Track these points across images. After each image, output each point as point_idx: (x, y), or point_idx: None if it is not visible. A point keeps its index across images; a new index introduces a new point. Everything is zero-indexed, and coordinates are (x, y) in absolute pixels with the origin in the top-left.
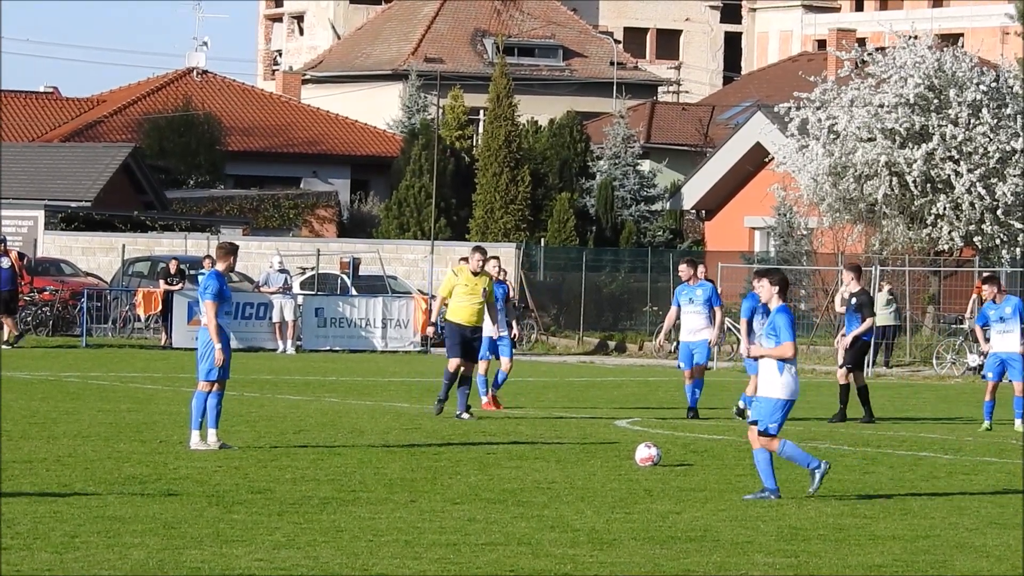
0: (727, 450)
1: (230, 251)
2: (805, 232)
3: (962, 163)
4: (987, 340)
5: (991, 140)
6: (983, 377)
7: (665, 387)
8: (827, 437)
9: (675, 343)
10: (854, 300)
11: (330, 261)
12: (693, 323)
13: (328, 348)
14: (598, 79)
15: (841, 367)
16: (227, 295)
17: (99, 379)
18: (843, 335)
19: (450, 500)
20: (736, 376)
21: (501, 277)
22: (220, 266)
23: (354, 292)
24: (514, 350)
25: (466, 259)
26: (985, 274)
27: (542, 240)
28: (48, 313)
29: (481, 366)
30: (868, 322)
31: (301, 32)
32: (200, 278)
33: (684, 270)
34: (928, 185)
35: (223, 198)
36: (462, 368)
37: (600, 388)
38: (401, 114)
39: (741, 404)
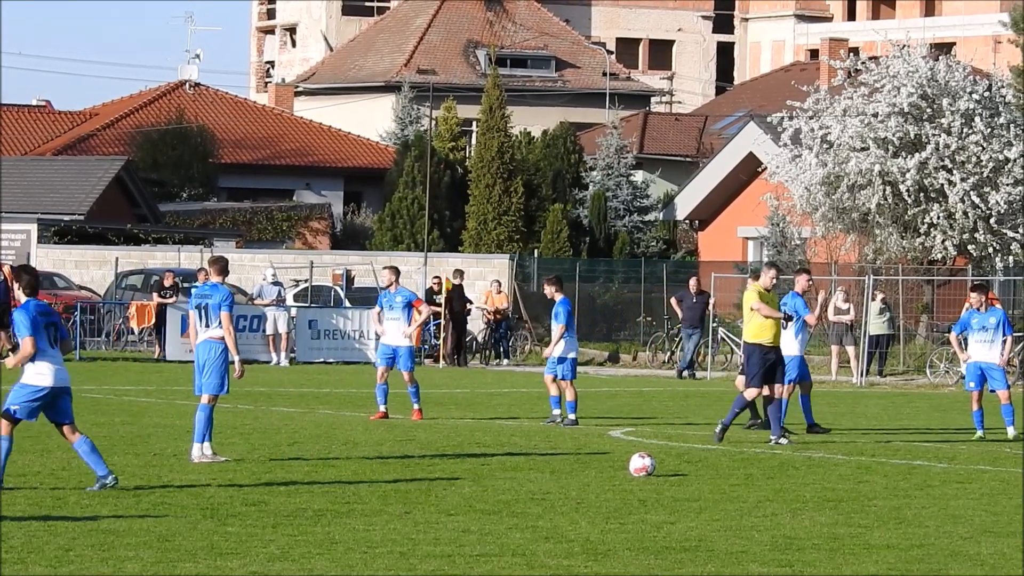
0: (721, 460)
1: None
2: (798, 242)
3: (955, 172)
4: (964, 349)
5: (984, 149)
6: (966, 388)
7: (659, 397)
8: (821, 446)
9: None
10: None
11: (323, 273)
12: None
13: (322, 360)
14: (591, 90)
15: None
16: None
17: (92, 392)
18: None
19: (444, 511)
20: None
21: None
22: (219, 278)
23: (348, 304)
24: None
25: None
26: (974, 282)
27: (535, 251)
28: None
29: (378, 375)
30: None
31: (294, 44)
32: (194, 291)
33: (805, 280)
34: (921, 194)
35: (216, 211)
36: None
37: (594, 398)
38: (394, 126)
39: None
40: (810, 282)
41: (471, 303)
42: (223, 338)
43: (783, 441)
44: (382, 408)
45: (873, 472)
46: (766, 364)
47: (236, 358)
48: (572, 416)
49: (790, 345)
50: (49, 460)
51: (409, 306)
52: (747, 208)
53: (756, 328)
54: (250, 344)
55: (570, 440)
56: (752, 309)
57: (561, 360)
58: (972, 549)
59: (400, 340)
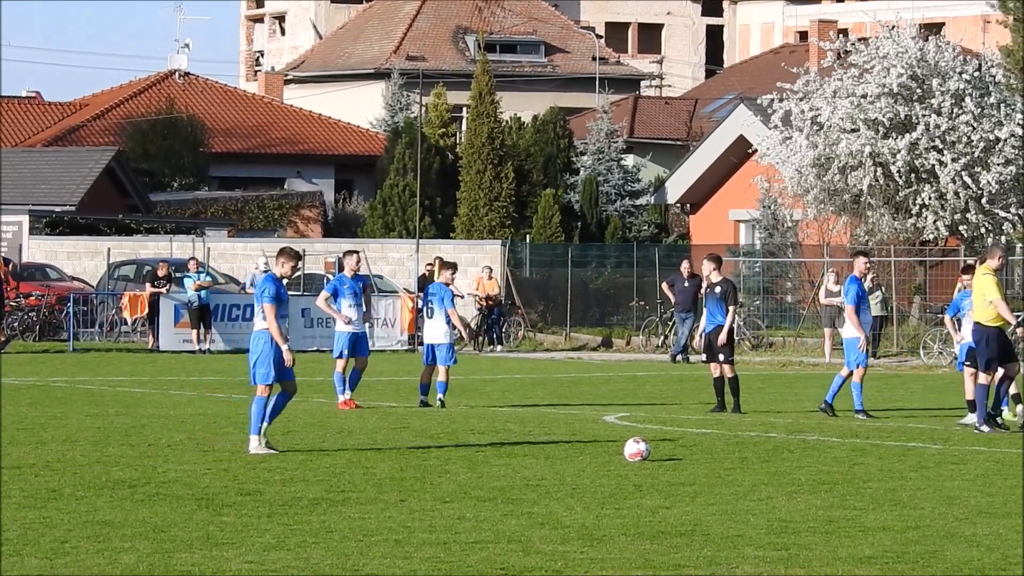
0: (716, 444)
1: (292, 256)
2: (790, 224)
3: (946, 152)
4: (958, 330)
5: (975, 129)
6: (959, 368)
7: (653, 382)
8: (816, 429)
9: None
10: (718, 289)
11: (315, 261)
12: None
13: (315, 348)
14: (580, 74)
15: (718, 361)
16: (284, 298)
17: (86, 383)
18: (704, 328)
19: (440, 499)
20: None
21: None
22: (279, 270)
23: None
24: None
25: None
26: (965, 264)
27: (527, 237)
28: (34, 318)
29: (339, 364)
30: (732, 311)
31: (283, 32)
32: (187, 281)
33: (863, 263)
34: (912, 175)
35: (208, 200)
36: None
37: (588, 384)
38: (384, 113)
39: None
40: (868, 265)
41: None
42: (267, 329)
43: (984, 429)
44: (343, 396)
45: (868, 454)
46: (1002, 346)
47: (284, 345)
48: (441, 396)
49: (851, 329)
50: (44, 452)
51: (363, 291)
52: (738, 191)
53: (993, 312)
54: (243, 333)
55: (565, 426)
56: (991, 303)
57: (441, 346)
58: (968, 530)
59: (362, 326)
